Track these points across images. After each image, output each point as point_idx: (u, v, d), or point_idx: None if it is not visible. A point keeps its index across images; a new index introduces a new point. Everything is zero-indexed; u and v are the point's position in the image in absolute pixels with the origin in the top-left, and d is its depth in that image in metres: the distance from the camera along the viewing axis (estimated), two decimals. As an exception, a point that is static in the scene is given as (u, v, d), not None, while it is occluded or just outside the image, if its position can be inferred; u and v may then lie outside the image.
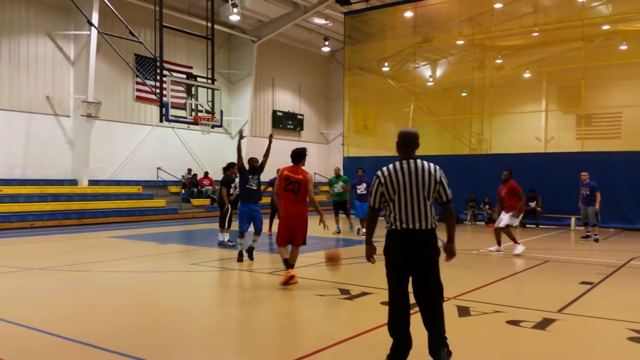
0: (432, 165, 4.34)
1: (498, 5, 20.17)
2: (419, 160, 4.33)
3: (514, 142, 19.65)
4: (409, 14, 22.32)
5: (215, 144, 25.95)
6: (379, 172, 4.37)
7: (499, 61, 21.67)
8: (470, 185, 19.20)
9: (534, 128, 21.03)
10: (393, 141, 18.76)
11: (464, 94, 22.18)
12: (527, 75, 21.72)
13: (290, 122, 30.74)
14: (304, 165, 8.02)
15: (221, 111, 19.60)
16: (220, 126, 21.07)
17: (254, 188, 10.15)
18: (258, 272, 9.36)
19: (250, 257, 9.94)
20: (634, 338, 5.29)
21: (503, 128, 20.75)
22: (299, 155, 7.95)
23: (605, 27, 19.35)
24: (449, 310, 6.39)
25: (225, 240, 12.11)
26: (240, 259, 9.84)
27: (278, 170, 8.22)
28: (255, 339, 5.40)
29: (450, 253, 4.46)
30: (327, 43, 29.15)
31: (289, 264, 7.80)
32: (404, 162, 4.33)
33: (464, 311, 6.34)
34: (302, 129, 31.63)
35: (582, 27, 18.25)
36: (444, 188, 4.30)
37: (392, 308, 4.41)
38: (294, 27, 27.77)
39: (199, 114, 18.44)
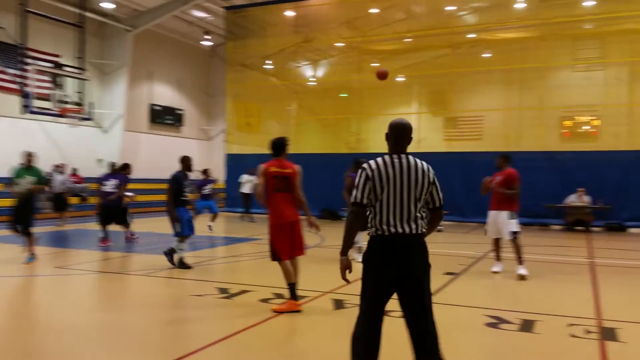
0: (425, 163, 3.73)
1: (374, 10, 21.01)
2: (411, 157, 3.70)
3: (388, 142, 20.58)
4: (290, 13, 22.53)
5: (85, 138, 24.31)
6: (365, 165, 3.66)
7: (375, 64, 22.57)
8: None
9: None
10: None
11: (343, 95, 22.83)
12: (400, 79, 22.88)
13: (169, 117, 29.66)
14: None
15: (91, 103, 18.48)
16: (90, 119, 19.87)
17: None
18: (132, 274, 8.96)
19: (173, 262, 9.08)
20: (490, 324, 5.78)
21: (379, 128, 21.53)
22: (282, 145, 6.50)
23: (471, 36, 20.90)
24: (324, 304, 6.57)
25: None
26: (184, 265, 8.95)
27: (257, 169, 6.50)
28: (125, 344, 5.16)
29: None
30: (208, 37, 28.49)
31: (296, 294, 6.25)
32: (395, 157, 3.66)
33: (338, 304, 6.54)
34: (182, 124, 30.67)
35: (450, 35, 19.58)
36: (437, 190, 3.71)
37: (360, 329, 3.65)
38: (173, 19, 26.84)
39: (67, 106, 17.25)
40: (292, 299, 6.20)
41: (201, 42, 29.57)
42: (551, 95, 18.62)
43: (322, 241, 13.16)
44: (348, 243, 3.70)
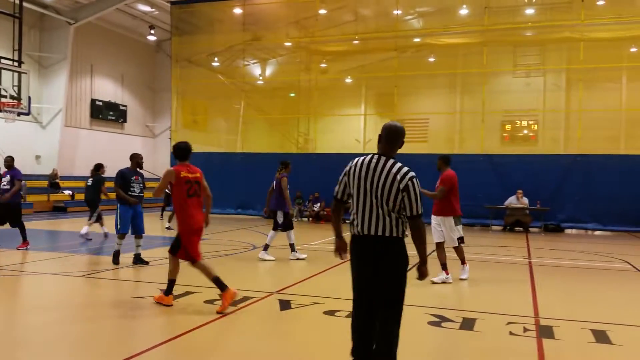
0: (404, 169, 3.64)
1: (322, 11, 21.10)
2: (391, 160, 3.66)
3: (336, 142, 20.73)
4: (237, 11, 22.31)
5: (22, 134, 23.27)
6: (350, 162, 3.82)
7: (323, 65, 22.67)
8: (297, 183, 19.82)
9: (354, 130, 22.42)
10: (223, 137, 18.75)
11: (292, 95, 22.81)
12: (348, 80, 23.07)
13: (111, 113, 28.80)
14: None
15: (29, 97, 17.72)
16: (28, 114, 19.06)
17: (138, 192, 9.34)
18: (69, 275, 8.63)
19: (144, 262, 9.20)
20: (433, 322, 5.90)
21: (327, 129, 21.80)
22: (188, 150, 6.57)
23: (416, 40, 21.31)
24: (271, 305, 6.54)
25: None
26: (117, 260, 9.13)
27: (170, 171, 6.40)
28: (65, 350, 4.96)
29: (422, 275, 3.89)
30: (152, 32, 27.81)
31: (222, 283, 6.28)
32: (375, 157, 3.70)
33: (285, 304, 6.53)
34: (125, 120, 29.83)
35: (396, 38, 19.90)
36: (409, 199, 3.57)
37: (353, 319, 3.85)
38: (117, 12, 26.09)
39: (2, 100, 16.46)
40: (223, 291, 6.20)
41: (146, 37, 28.87)
42: (492, 100, 19.23)
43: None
44: (336, 230, 3.91)
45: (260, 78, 24.12)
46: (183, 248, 6.28)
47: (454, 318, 6.05)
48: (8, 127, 20.37)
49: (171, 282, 6.42)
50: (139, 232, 9.36)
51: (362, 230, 3.65)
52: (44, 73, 25.09)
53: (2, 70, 16.64)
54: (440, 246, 8.31)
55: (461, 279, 8.40)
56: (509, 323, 5.92)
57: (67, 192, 22.72)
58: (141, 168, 9.44)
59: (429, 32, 20.86)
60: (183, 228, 6.30)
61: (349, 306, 4.07)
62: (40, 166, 24.16)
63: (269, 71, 24.33)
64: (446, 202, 8.21)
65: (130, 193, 9.18)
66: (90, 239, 12.56)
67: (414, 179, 3.65)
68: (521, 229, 17.30)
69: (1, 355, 4.69)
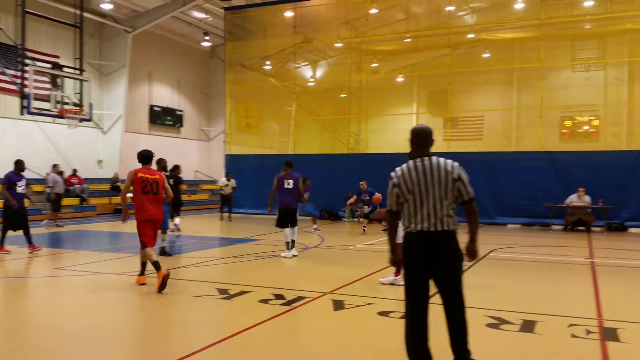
0: (449, 162, 3.99)
1: (373, 11, 21.00)
2: (434, 158, 3.98)
3: (387, 142, 20.56)
4: (289, 14, 22.51)
5: (84, 139, 24.31)
6: (392, 173, 4.03)
7: (374, 65, 22.56)
8: (348, 183, 19.82)
9: (405, 129, 21.99)
10: (276, 139, 18.96)
11: (342, 95, 22.82)
12: (400, 79, 22.86)
13: (168, 118, 29.65)
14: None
15: (90, 104, 18.47)
16: (90, 120, 19.86)
17: None
18: (129, 275, 8.93)
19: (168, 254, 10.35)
20: (491, 324, 5.75)
21: (378, 129, 21.67)
22: (149, 157, 8.04)
23: (470, 36, 20.88)
24: (325, 305, 6.56)
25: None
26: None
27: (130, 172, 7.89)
28: (128, 344, 5.14)
29: (472, 253, 4.06)
30: (207, 38, 28.48)
31: (159, 265, 7.38)
32: (418, 160, 3.98)
33: (339, 305, 6.52)
34: (181, 125, 30.66)
35: (449, 35, 19.56)
36: (464, 185, 3.94)
37: (408, 318, 3.97)
38: (173, 20, 26.84)
39: (65, 107, 17.23)
40: (158, 271, 7.27)
41: (201, 43, 29.57)
42: (551, 95, 18.60)
43: (322, 242, 13.13)
44: (391, 243, 4.15)
45: (311, 80, 24.25)
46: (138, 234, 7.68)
47: (513, 320, 5.88)
48: (71, 133, 21.31)
49: (143, 265, 7.90)
50: (164, 227, 10.20)
51: (425, 227, 3.87)
52: (105, 80, 26.11)
53: (65, 79, 17.42)
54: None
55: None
56: (570, 325, 5.70)
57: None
58: (166, 171, 10.59)
59: (483, 28, 20.40)
60: (137, 217, 7.72)
61: (402, 307, 4.04)
62: (102, 170, 25.13)
63: (319, 73, 24.43)
64: None
65: None
66: (180, 230, 14.32)
67: (460, 166, 4.02)
68: (583, 228, 16.64)
69: (71, 349, 4.90)
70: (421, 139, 4.08)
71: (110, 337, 5.40)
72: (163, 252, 10.18)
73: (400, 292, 4.13)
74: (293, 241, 10.54)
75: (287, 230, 10.41)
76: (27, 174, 22.74)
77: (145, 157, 8.02)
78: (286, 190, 10.46)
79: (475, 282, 8.21)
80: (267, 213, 12.49)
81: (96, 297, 7.52)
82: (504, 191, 17.91)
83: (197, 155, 31.50)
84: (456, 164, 4.00)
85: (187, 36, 29.89)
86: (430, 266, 3.88)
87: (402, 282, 7.51)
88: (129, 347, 5.11)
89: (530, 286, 8.04)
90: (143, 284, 7.63)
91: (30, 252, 10.59)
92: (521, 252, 11.98)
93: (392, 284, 7.81)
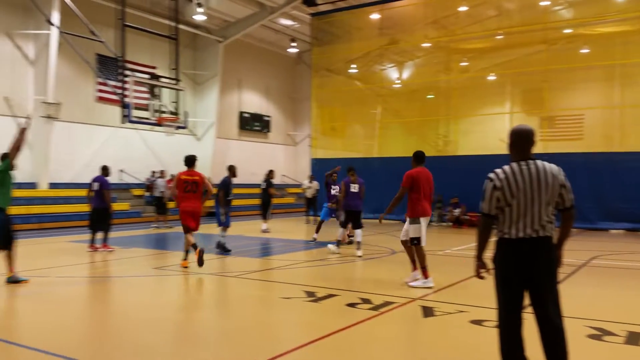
0: (554, 166, 3.80)
1: (463, 9, 20.40)
2: (539, 161, 3.77)
3: (479, 143, 19.86)
4: (375, 16, 22.39)
5: (180, 146, 25.47)
6: (492, 175, 3.80)
7: (464, 64, 21.90)
8: (437, 186, 19.29)
9: (498, 130, 21.19)
10: (361, 142, 18.90)
11: (430, 96, 22.35)
12: (491, 77, 22.01)
13: (257, 124, 30.50)
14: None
15: (186, 112, 19.32)
16: (185, 127, 20.77)
17: None
18: (223, 275, 9.20)
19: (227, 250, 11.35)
20: (593, 335, 5.34)
21: (468, 130, 20.98)
22: (192, 160, 9.75)
23: (567, 31, 19.74)
24: (414, 311, 6.37)
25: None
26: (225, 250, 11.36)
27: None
28: (219, 344, 5.25)
29: (559, 260, 3.89)
30: (294, 44, 29.02)
31: (196, 245, 9.24)
32: (523, 163, 3.76)
33: (428, 312, 6.32)
34: (269, 130, 31.43)
35: (545, 30, 18.59)
36: (567, 191, 3.76)
37: (502, 328, 3.79)
38: (261, 28, 27.57)
39: (163, 115, 18.13)
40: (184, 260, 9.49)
41: (287, 50, 30.16)
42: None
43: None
44: (480, 249, 3.92)
45: (397, 81, 23.96)
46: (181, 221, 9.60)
47: (617, 331, 5.42)
48: (168, 140, 22.43)
49: (186, 252, 9.57)
50: (224, 224, 11.46)
51: (527, 233, 3.69)
52: (198, 89, 27.28)
53: (162, 88, 18.34)
54: (404, 244, 8.07)
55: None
56: (689, 341, 5.15)
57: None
58: (235, 176, 11.63)
59: (582, 22, 19.22)
60: (180, 209, 9.56)
61: (496, 315, 3.82)
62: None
63: (405, 74, 24.08)
64: (408, 201, 7.86)
65: (227, 198, 11.41)
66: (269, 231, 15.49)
67: (563, 171, 3.83)
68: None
69: (164, 346, 5.08)
70: (524, 140, 3.82)
71: (201, 334, 5.55)
72: (222, 247, 11.33)
73: (492, 300, 3.88)
74: (359, 242, 10.89)
75: (342, 230, 11.40)
76: (127, 178, 24.31)
77: (188, 160, 9.72)
78: (353, 194, 11.02)
79: (575, 291, 7.67)
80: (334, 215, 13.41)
81: (189, 297, 7.78)
82: (607, 194, 16.78)
83: (284, 160, 32.09)
84: (559, 167, 3.81)
85: (274, 43, 30.60)
86: (529, 274, 3.67)
87: (431, 284, 7.63)
88: (219, 345, 5.21)
89: (636, 295, 7.40)
90: (186, 267, 9.28)
91: (95, 251, 11.58)
92: (625, 259, 11.12)
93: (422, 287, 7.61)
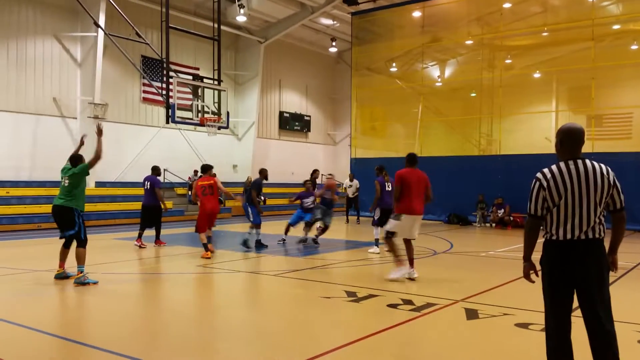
0: (603, 166, 3.66)
1: (507, 5, 19.96)
2: (588, 161, 3.65)
3: (523, 142, 19.39)
4: (417, 14, 22.15)
5: (221, 146, 25.91)
6: (539, 175, 3.69)
7: (508, 61, 21.42)
8: (479, 186, 19.02)
9: (544, 128, 20.69)
10: (402, 142, 18.79)
11: (472, 94, 21.95)
12: (536, 75, 21.45)
13: (297, 124, 30.64)
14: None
15: (227, 112, 19.57)
16: (227, 127, 21.04)
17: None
18: (264, 274, 9.28)
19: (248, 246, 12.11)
20: (647, 342, 5.14)
21: (512, 128, 20.49)
22: (208, 168, 11.52)
23: (616, 27, 19.09)
24: (457, 313, 6.27)
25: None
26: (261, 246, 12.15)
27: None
28: (259, 342, 5.30)
29: (614, 264, 3.76)
30: (334, 44, 29.02)
31: (207, 247, 10.72)
32: (571, 162, 3.65)
33: (472, 314, 6.21)
34: (309, 130, 31.53)
35: (592, 26, 18.01)
36: (617, 192, 3.64)
37: (550, 332, 3.69)
38: (301, 28, 27.68)
39: (205, 115, 18.41)
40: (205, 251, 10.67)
41: (328, 49, 30.18)
42: None
43: (451, 247, 12.69)
44: (527, 251, 3.84)
45: (439, 80, 23.63)
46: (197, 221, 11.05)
47: (674, 340, 5.20)
48: (210, 140, 22.79)
49: (204, 245, 10.81)
50: (255, 221, 12.23)
51: (576, 235, 3.58)
52: (239, 90, 27.62)
53: (205, 89, 18.64)
54: (405, 242, 8.54)
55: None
56: None
57: (260, 197, 24.63)
58: (267, 179, 12.58)
59: (631, 17, 18.52)
60: (200, 211, 11.06)
61: (542, 319, 3.72)
62: (237, 174, 26.56)
63: (448, 72, 23.72)
64: (399, 200, 8.45)
65: (259, 198, 12.39)
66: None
67: (613, 172, 3.72)
68: None
69: (205, 345, 5.15)
70: (573, 139, 3.70)
71: (242, 332, 5.61)
72: (260, 245, 12.14)
73: (540, 303, 3.78)
74: (377, 239, 11.45)
75: (377, 229, 11.54)
76: (171, 177, 24.78)
77: (203, 168, 11.55)
78: (388, 193, 11.27)
79: (625, 295, 7.41)
80: (370, 213, 13.08)
81: (230, 296, 7.88)
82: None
83: (323, 159, 32.14)
84: (609, 168, 3.68)
85: (314, 43, 30.68)
86: (577, 278, 3.56)
87: (415, 275, 8.15)
88: (259, 343, 5.25)
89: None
90: (208, 258, 10.40)
91: (142, 247, 12.22)
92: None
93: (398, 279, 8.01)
